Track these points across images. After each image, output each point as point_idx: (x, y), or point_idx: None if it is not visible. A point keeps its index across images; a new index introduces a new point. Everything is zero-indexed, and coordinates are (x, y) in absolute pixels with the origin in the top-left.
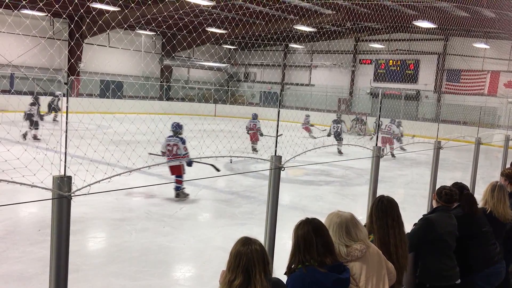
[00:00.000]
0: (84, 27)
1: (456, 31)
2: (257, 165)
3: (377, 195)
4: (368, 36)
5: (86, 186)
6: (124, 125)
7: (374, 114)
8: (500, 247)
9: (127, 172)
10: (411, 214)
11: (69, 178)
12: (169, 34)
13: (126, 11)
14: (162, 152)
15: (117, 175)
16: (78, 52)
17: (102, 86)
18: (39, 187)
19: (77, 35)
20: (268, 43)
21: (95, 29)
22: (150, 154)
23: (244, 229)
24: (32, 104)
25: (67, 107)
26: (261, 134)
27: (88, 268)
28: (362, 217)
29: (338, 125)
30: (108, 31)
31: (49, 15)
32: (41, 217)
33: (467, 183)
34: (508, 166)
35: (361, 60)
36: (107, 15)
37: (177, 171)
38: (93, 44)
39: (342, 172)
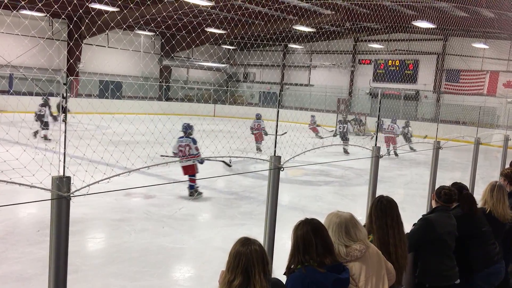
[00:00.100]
0: (83, 28)
1: (455, 31)
2: (257, 165)
3: (377, 195)
4: (367, 36)
5: (85, 187)
6: (123, 125)
7: (373, 114)
8: (499, 247)
9: (126, 172)
10: (411, 214)
11: (68, 178)
12: (168, 35)
13: (125, 11)
14: (174, 153)
15: (116, 175)
16: (77, 53)
17: (101, 87)
18: (38, 187)
19: (76, 36)
20: (267, 43)
21: (94, 29)
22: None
23: (243, 229)
24: (42, 105)
25: (66, 107)
26: (266, 134)
27: (88, 268)
28: (361, 217)
29: (344, 125)
30: (107, 31)
31: (48, 15)
32: (40, 218)
33: (467, 183)
34: (507, 166)
35: (360, 60)
36: (106, 15)
37: (190, 171)
38: (92, 45)
39: (342, 172)
